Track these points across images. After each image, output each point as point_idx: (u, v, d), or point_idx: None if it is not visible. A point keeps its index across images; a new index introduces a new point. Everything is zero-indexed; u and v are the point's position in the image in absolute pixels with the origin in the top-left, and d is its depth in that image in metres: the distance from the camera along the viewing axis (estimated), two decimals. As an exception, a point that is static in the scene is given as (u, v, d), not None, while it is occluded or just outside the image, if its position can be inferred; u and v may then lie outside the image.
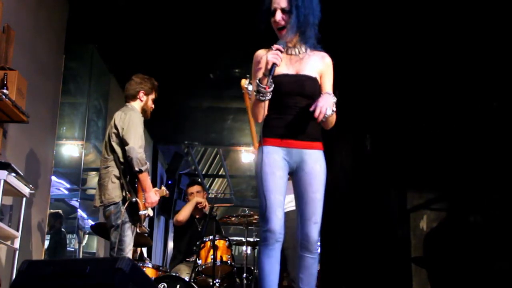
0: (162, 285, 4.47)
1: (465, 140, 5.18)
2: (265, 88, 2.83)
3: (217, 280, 4.65)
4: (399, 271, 5.67)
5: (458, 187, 5.18)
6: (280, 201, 2.88)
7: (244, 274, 4.83)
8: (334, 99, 2.89)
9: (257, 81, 2.85)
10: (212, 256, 4.71)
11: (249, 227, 5.11)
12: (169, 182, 10.19)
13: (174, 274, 4.79)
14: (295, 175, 2.98)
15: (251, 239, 5.05)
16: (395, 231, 6.07)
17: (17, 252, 3.80)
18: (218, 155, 12.19)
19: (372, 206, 5.93)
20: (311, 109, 2.83)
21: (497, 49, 4.68)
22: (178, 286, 4.51)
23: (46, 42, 5.04)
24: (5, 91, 3.77)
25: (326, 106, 2.80)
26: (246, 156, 10.73)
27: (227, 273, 4.88)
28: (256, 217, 4.92)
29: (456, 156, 5.37)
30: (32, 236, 4.70)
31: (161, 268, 4.91)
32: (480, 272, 4.58)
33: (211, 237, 4.81)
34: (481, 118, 4.90)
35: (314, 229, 2.92)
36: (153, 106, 4.43)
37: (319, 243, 3.05)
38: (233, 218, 5.21)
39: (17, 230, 3.82)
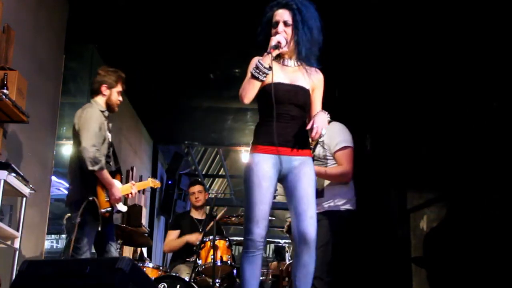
0: (162, 285, 4.48)
1: (465, 140, 5.17)
2: (264, 66, 2.91)
3: (217, 280, 4.65)
4: (399, 271, 5.67)
5: (458, 187, 5.18)
6: (265, 212, 2.98)
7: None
8: (328, 118, 3.00)
9: (258, 60, 2.95)
10: (212, 256, 4.70)
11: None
12: (169, 182, 10.21)
13: (174, 274, 4.80)
14: (285, 180, 3.05)
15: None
16: (395, 231, 6.07)
17: (17, 252, 3.80)
18: (218, 155, 12.20)
19: (372, 206, 5.93)
20: (308, 127, 2.94)
21: (497, 49, 4.68)
22: (178, 286, 4.52)
23: (46, 42, 5.04)
24: (5, 91, 3.77)
25: (321, 126, 2.90)
26: (246, 156, 10.74)
27: (227, 273, 4.88)
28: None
29: (456, 156, 5.36)
30: (32, 236, 4.70)
31: (161, 268, 4.91)
32: (480, 272, 4.58)
33: (211, 237, 4.81)
34: (481, 118, 4.90)
35: (310, 224, 2.94)
36: (120, 98, 4.26)
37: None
38: (233, 218, 5.21)
39: (17, 230, 3.82)
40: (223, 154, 11.98)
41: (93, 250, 4.11)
